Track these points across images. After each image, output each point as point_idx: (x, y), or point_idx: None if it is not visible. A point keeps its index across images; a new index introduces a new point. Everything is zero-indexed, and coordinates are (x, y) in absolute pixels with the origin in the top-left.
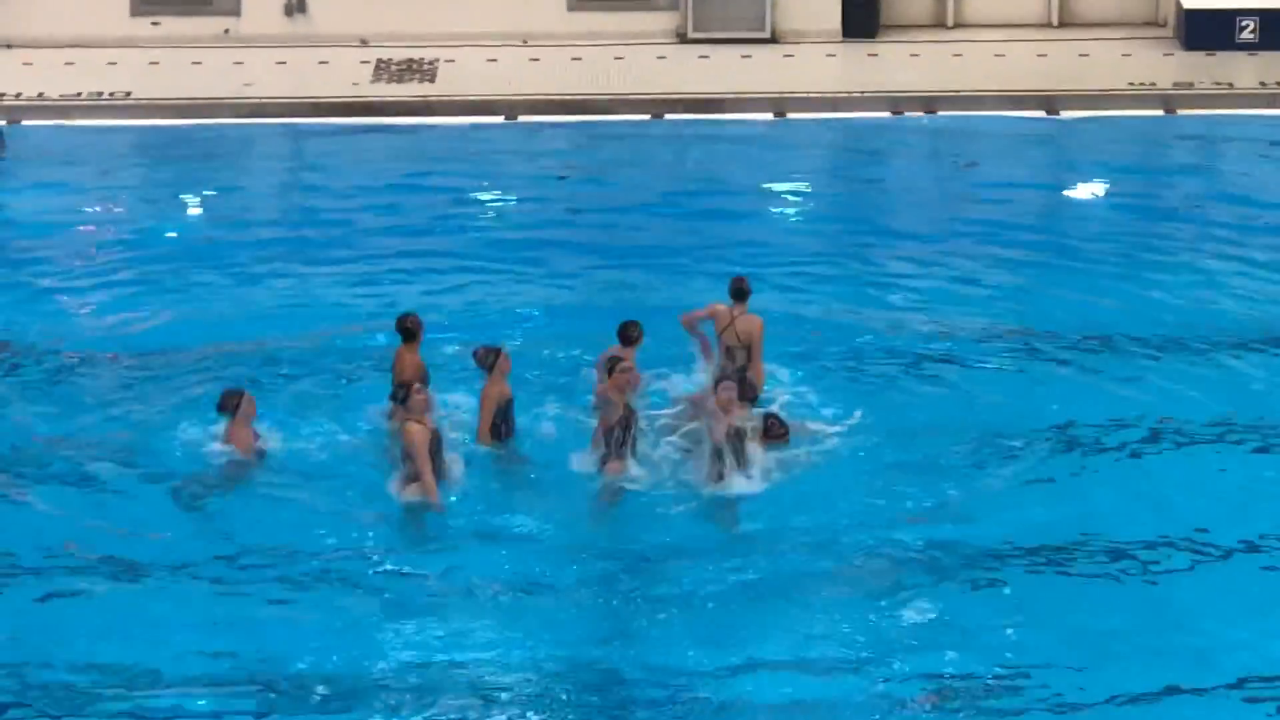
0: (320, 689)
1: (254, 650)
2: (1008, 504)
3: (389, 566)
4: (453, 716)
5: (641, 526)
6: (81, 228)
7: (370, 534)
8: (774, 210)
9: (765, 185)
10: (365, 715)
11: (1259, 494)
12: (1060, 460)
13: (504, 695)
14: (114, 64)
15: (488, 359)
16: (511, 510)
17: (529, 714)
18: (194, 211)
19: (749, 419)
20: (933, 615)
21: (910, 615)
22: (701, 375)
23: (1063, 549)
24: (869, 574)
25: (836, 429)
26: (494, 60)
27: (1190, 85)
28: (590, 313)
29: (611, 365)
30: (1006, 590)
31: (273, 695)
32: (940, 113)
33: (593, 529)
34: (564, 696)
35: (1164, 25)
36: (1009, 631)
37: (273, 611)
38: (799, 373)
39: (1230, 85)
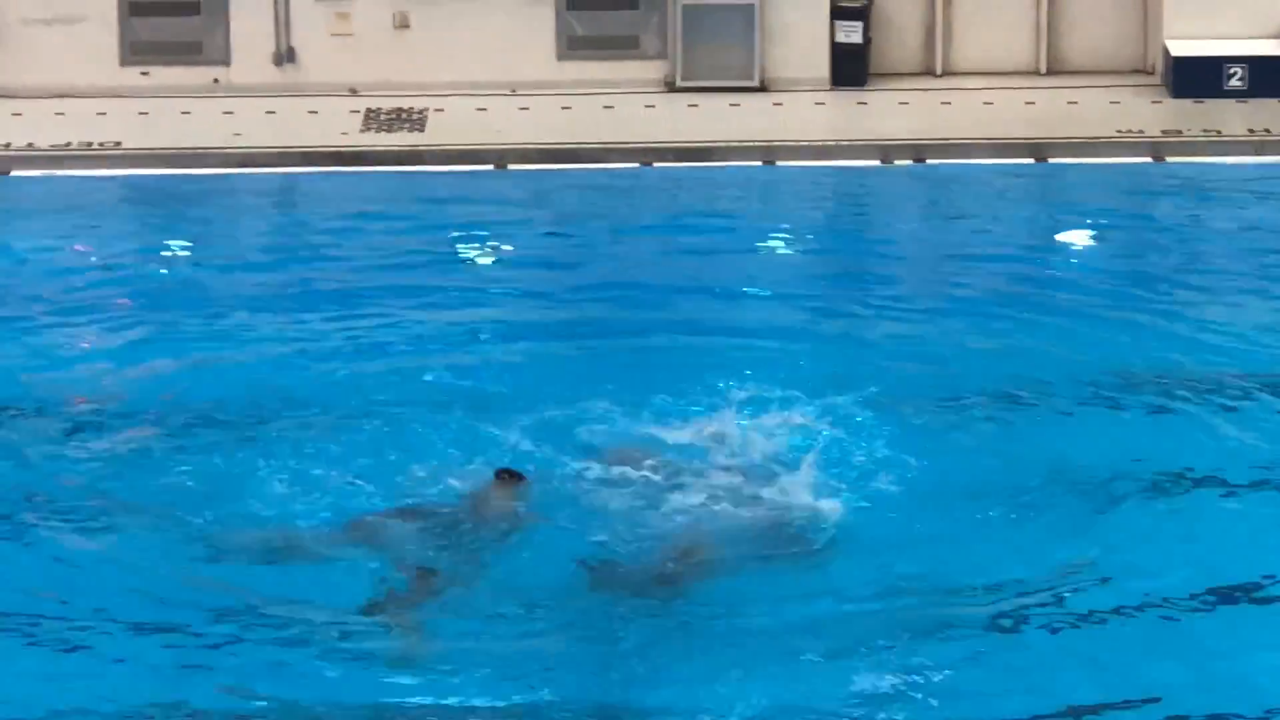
0: None
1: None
2: (1009, 550)
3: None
4: None
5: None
6: (71, 277)
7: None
8: (764, 258)
9: (755, 233)
10: None
11: (1257, 538)
12: (1061, 505)
13: None
14: (104, 114)
15: None
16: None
17: None
18: (184, 260)
19: None
20: (931, 665)
21: (905, 664)
22: None
23: (1060, 595)
24: (869, 621)
25: (833, 481)
26: (483, 109)
27: (1179, 132)
28: (582, 362)
29: None
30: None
31: None
32: (929, 160)
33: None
34: None
35: (1152, 73)
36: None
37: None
38: (790, 423)
39: (1219, 132)
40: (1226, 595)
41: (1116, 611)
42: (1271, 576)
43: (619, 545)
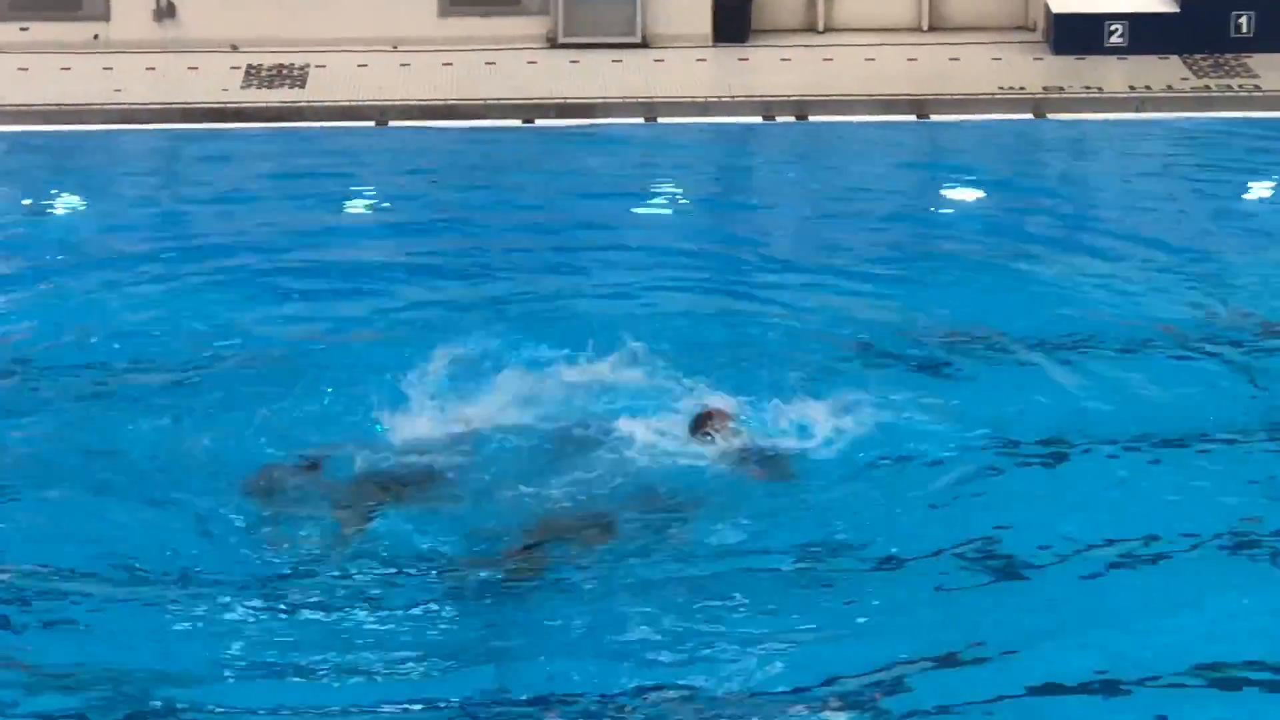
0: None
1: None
2: (909, 510)
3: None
4: None
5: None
6: None
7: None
8: (645, 216)
9: (637, 191)
10: None
11: (1132, 497)
12: (945, 464)
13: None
14: None
15: None
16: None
17: None
18: (64, 218)
19: None
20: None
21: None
22: None
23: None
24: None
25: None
26: (365, 65)
27: (1060, 89)
28: (464, 321)
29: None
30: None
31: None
32: (811, 117)
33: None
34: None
35: (1033, 29)
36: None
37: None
38: (677, 385)
39: (1100, 89)
40: (1123, 555)
41: (1004, 570)
42: (1155, 534)
43: (515, 505)
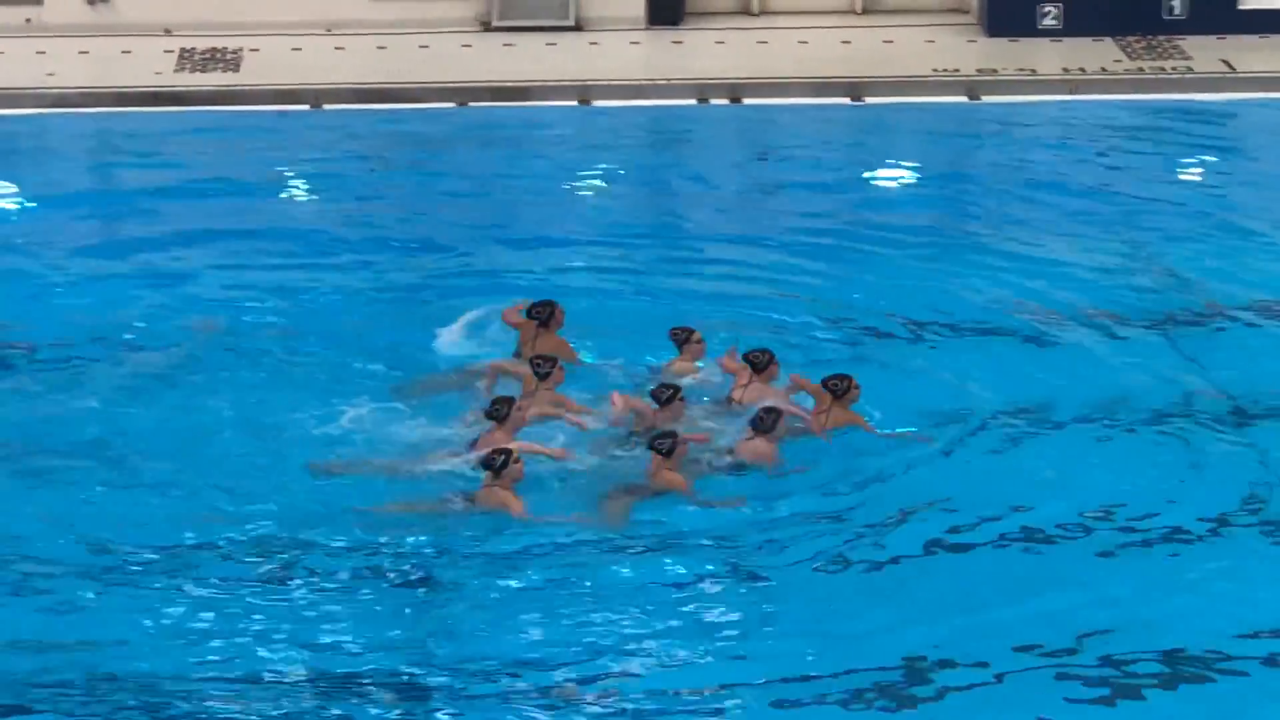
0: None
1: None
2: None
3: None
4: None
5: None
6: None
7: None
8: (579, 199)
9: (571, 174)
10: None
11: (1079, 472)
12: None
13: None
14: None
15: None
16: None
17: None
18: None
19: None
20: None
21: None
22: None
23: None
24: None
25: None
26: (299, 49)
27: (994, 72)
28: (397, 304)
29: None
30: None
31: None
32: (746, 100)
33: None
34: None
35: (967, 12)
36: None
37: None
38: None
39: (1033, 71)
40: (1034, 530)
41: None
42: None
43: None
